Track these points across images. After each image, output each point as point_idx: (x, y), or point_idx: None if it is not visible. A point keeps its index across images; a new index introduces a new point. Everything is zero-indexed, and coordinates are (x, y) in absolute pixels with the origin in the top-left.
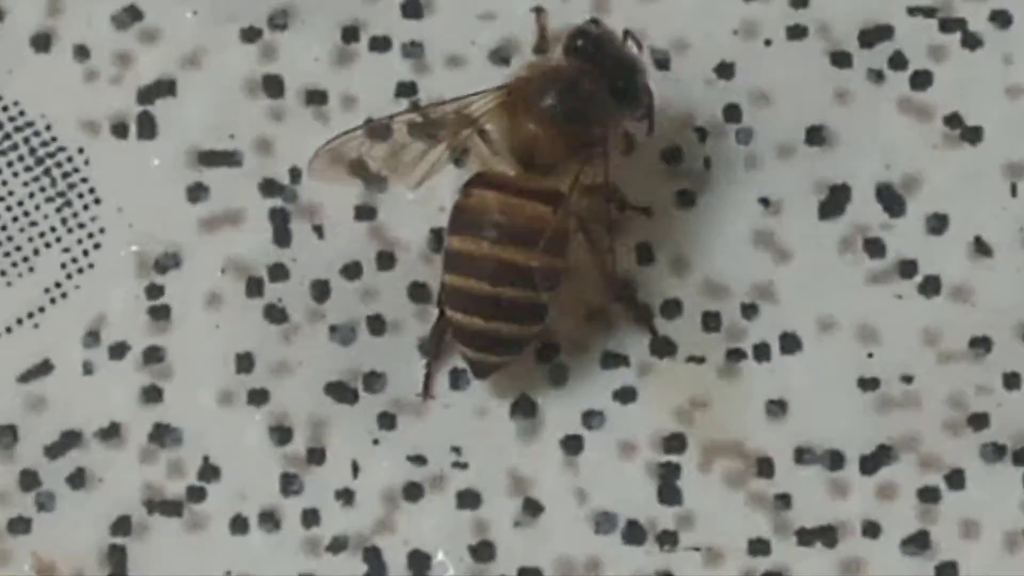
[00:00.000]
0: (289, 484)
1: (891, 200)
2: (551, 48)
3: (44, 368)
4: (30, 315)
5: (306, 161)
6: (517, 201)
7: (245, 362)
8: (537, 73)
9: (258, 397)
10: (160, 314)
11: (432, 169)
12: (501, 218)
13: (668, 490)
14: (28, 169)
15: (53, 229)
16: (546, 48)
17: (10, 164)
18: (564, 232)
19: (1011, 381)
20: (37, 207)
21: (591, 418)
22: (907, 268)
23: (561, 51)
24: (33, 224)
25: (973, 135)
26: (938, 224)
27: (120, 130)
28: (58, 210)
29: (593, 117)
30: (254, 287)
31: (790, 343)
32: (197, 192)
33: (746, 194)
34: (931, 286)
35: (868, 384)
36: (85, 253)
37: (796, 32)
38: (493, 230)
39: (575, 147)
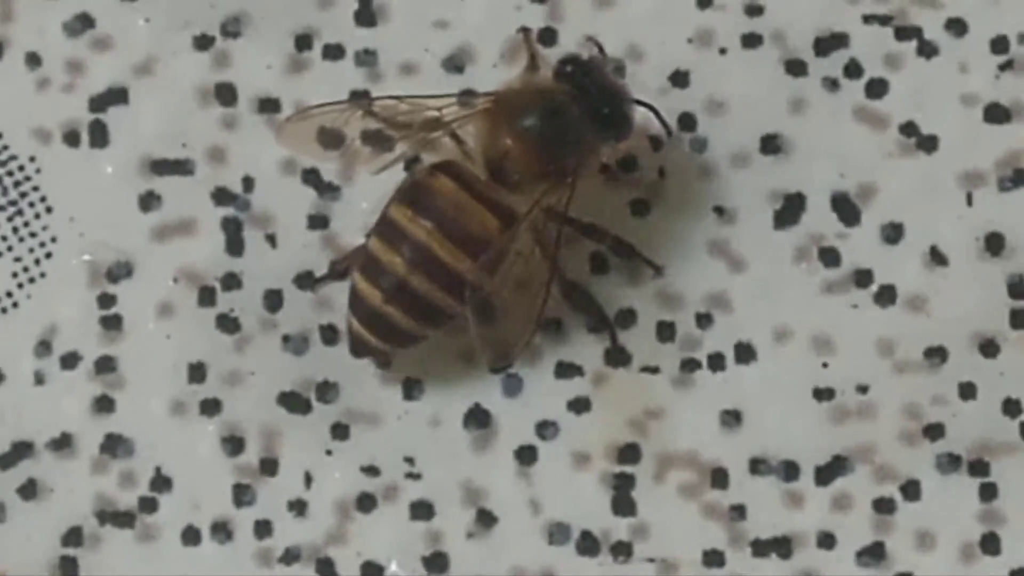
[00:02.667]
0: (242, 495)
1: (846, 209)
2: (542, 65)
3: None
4: None
5: (259, 169)
6: (473, 204)
7: (197, 372)
8: (526, 89)
9: (210, 407)
10: (112, 324)
11: (394, 160)
12: (451, 211)
13: (622, 501)
14: None
15: (4, 238)
16: (538, 67)
17: None
18: (504, 254)
19: (966, 391)
20: None
21: (545, 428)
22: (862, 278)
23: (551, 74)
24: None
25: (929, 144)
26: (893, 233)
27: (72, 138)
28: (9, 219)
29: (571, 145)
30: (206, 296)
31: (745, 353)
32: (149, 201)
33: (701, 203)
34: (886, 296)
35: (823, 394)
36: (37, 262)
37: (751, 40)
38: (437, 219)
39: (546, 171)
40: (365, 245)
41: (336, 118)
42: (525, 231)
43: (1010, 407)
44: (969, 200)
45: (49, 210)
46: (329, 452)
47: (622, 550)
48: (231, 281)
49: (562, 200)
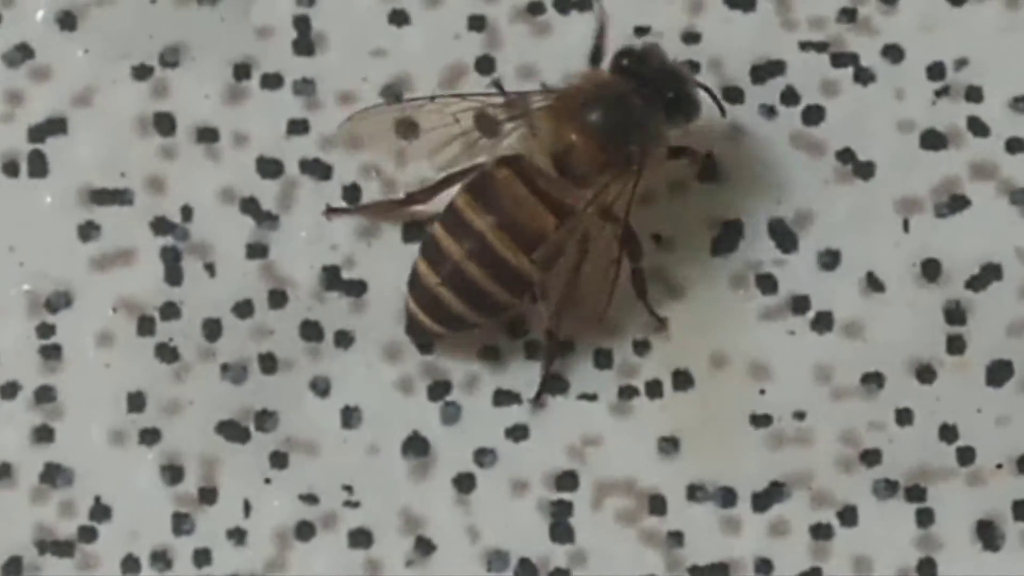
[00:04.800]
0: (181, 524)
1: (783, 236)
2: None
3: None
4: None
5: (197, 199)
6: (532, 200)
7: (136, 401)
8: (588, 84)
9: (149, 436)
10: (51, 353)
11: (458, 157)
12: (510, 205)
13: (560, 528)
14: None
15: None
16: (601, 57)
17: None
18: (559, 249)
19: (903, 417)
20: None
21: (483, 456)
22: (799, 304)
23: (609, 69)
24: None
25: (865, 170)
26: (830, 260)
27: (11, 168)
28: None
29: (634, 135)
30: (145, 326)
31: (682, 380)
32: (88, 231)
33: (639, 230)
34: (823, 322)
35: (760, 421)
36: None
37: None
38: (497, 212)
39: (610, 162)
40: (428, 229)
41: (408, 112)
42: (583, 227)
43: (947, 433)
44: (906, 226)
45: None
46: (268, 480)
47: None
48: (170, 310)
49: (626, 192)
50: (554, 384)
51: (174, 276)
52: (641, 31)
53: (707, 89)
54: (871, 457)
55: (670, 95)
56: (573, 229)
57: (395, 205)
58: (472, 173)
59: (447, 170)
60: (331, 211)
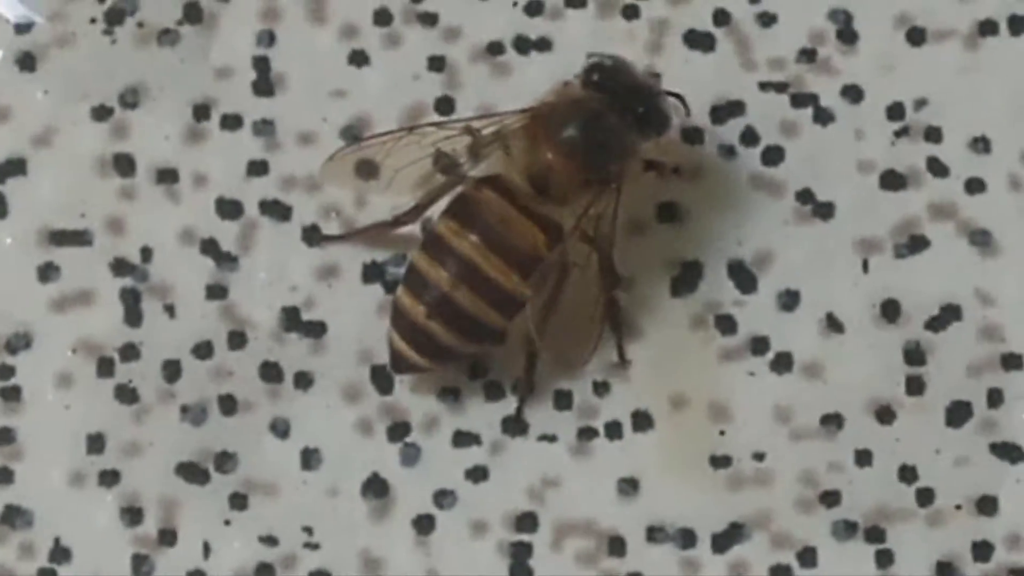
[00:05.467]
0: (140, 565)
1: (743, 277)
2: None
3: None
4: None
5: (157, 240)
6: (520, 218)
7: (96, 443)
8: (561, 101)
9: (109, 478)
10: (11, 395)
11: (430, 194)
12: (497, 225)
13: (520, 569)
14: None
15: None
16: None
17: None
18: (551, 267)
19: (862, 458)
20: None
21: (443, 497)
22: (759, 345)
23: (580, 84)
24: None
25: (825, 211)
26: (790, 301)
27: None
28: None
29: (612, 152)
30: (105, 367)
31: (642, 421)
32: (48, 272)
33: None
34: (783, 363)
35: (720, 462)
36: None
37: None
38: (484, 233)
39: (589, 180)
40: (409, 258)
41: (377, 151)
42: (573, 245)
43: (906, 473)
44: (865, 267)
45: None
46: (227, 522)
47: None
48: (129, 352)
49: (609, 210)
50: (514, 426)
51: (134, 317)
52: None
53: (677, 96)
54: (831, 498)
55: (641, 109)
56: (566, 248)
57: (385, 227)
58: (451, 197)
59: (428, 191)
60: (325, 239)
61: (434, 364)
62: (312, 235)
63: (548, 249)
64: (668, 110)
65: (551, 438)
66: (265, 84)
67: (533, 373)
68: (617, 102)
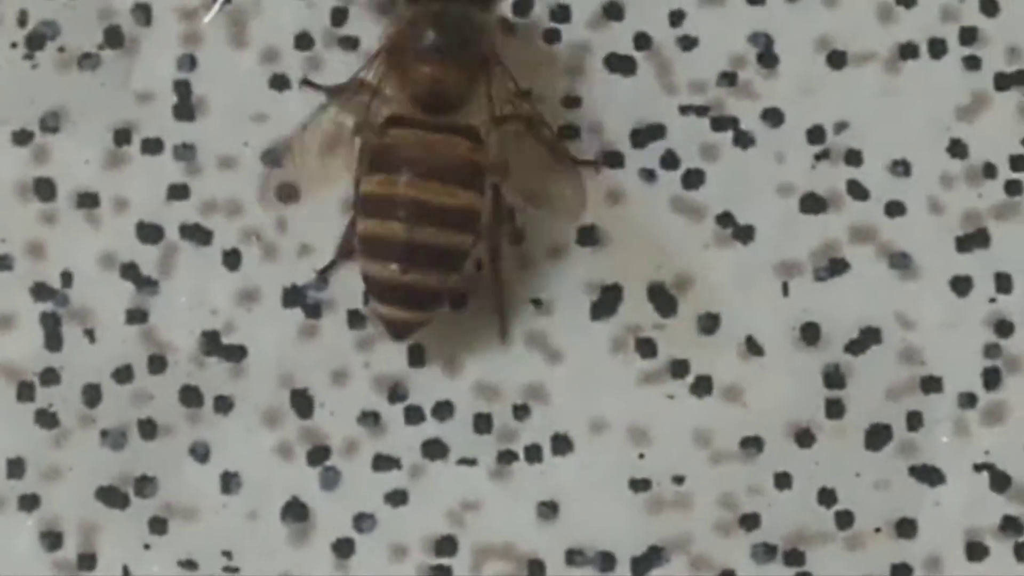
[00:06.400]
0: None
1: (663, 300)
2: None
3: None
4: None
5: (77, 264)
6: (434, 137)
7: (16, 467)
8: (405, 22)
9: (29, 502)
10: None
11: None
12: (419, 154)
13: None
14: None
15: None
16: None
17: None
18: (481, 167)
19: (782, 481)
20: None
21: (362, 521)
22: (678, 368)
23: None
24: None
25: (745, 234)
26: (710, 324)
27: None
28: None
29: (471, 34)
30: (25, 392)
31: (561, 444)
32: None
33: (518, 295)
34: (703, 386)
35: (639, 485)
36: None
37: (568, 132)
38: (411, 168)
39: (473, 72)
40: (356, 231)
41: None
42: (496, 131)
43: (825, 496)
44: (785, 290)
45: None
46: (147, 546)
47: None
48: (49, 376)
49: (508, 84)
50: (434, 449)
51: (54, 342)
52: (522, 94)
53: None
54: (750, 521)
55: None
56: (486, 140)
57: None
58: (361, 157)
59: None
60: (322, 273)
61: (428, 313)
62: (232, 259)
63: (475, 152)
64: None
65: (471, 461)
66: (186, 108)
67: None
68: None
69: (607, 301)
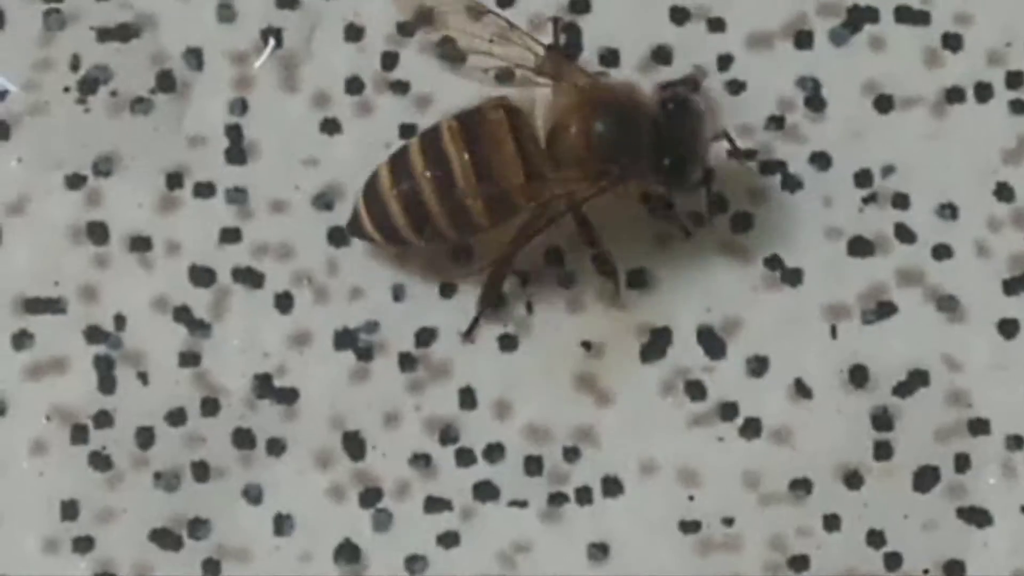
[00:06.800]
0: None
1: (712, 343)
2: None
3: None
4: None
5: (130, 307)
6: (512, 152)
7: (70, 509)
8: (620, 92)
9: (83, 545)
10: None
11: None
12: (488, 146)
13: None
14: None
15: None
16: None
17: None
18: (513, 209)
19: (831, 523)
20: None
21: (415, 563)
22: (728, 411)
23: (653, 89)
24: None
25: (793, 277)
26: (758, 366)
27: None
28: None
29: (625, 163)
30: (79, 434)
31: (612, 486)
32: (22, 339)
33: (568, 337)
34: (752, 428)
35: (689, 527)
36: None
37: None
38: (475, 151)
39: (592, 169)
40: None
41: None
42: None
43: (874, 538)
44: (833, 333)
45: None
46: None
47: None
48: (103, 419)
49: (588, 194)
50: (485, 491)
51: (107, 385)
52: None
53: (730, 139)
54: (799, 563)
55: (666, 161)
56: (536, 194)
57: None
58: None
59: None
60: (467, 334)
61: (382, 239)
62: (285, 302)
63: (522, 194)
64: (690, 180)
65: (522, 503)
66: (237, 152)
67: (499, 287)
68: (658, 132)
69: (656, 343)
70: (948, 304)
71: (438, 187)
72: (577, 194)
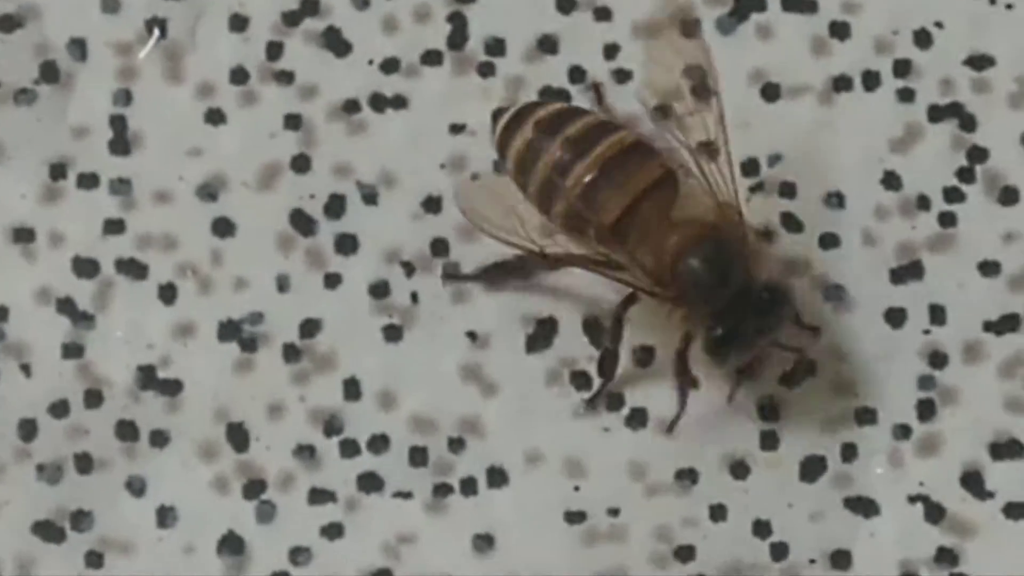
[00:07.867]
0: None
1: (597, 333)
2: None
3: None
4: None
5: (13, 299)
6: (626, 203)
7: None
8: (736, 233)
9: None
10: None
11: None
12: (618, 182)
13: None
14: None
15: None
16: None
17: None
18: (581, 236)
19: (717, 513)
20: None
21: (298, 554)
22: (614, 401)
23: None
24: None
25: None
26: (645, 356)
27: None
28: None
29: (691, 298)
30: None
31: (497, 477)
32: None
33: (454, 327)
34: (638, 419)
35: (575, 517)
36: None
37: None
38: (608, 171)
39: (661, 275)
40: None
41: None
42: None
43: (760, 528)
44: None
45: None
46: None
47: None
48: None
49: (642, 286)
50: (370, 482)
51: None
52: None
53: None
54: (685, 553)
55: (719, 332)
56: (606, 246)
57: (523, 262)
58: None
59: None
60: (447, 277)
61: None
62: (168, 293)
63: (598, 236)
64: (728, 360)
65: (406, 495)
66: (122, 143)
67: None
68: (751, 296)
69: (542, 334)
70: (835, 293)
71: (556, 164)
72: (635, 282)
